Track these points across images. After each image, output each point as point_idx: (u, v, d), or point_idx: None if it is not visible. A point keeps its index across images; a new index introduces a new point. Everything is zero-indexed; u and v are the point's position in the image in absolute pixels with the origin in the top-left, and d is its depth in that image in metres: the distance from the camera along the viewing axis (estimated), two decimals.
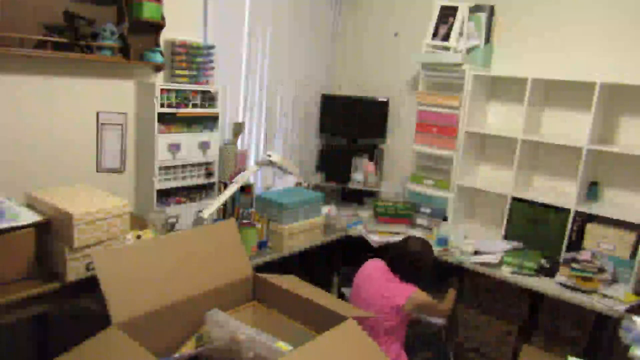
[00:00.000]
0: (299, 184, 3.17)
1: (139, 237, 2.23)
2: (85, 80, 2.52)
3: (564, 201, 2.72)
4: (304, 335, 1.77)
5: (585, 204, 2.70)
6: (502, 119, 3.20)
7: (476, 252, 2.81)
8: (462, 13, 3.12)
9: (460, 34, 3.12)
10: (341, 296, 3.27)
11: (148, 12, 2.53)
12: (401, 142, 3.68)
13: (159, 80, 2.79)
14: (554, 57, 2.93)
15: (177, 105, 2.70)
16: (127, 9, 2.49)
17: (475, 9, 3.12)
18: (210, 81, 2.93)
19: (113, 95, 2.64)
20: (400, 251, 2.38)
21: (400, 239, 2.51)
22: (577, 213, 2.67)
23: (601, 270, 2.49)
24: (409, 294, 2.25)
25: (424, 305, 2.31)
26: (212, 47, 2.88)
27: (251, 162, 3.38)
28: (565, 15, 2.88)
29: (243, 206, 2.86)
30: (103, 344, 1.50)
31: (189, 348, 1.76)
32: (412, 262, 2.34)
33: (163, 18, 2.64)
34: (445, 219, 3.19)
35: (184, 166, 2.81)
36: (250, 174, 2.66)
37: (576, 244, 2.69)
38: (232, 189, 2.57)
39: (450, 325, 2.94)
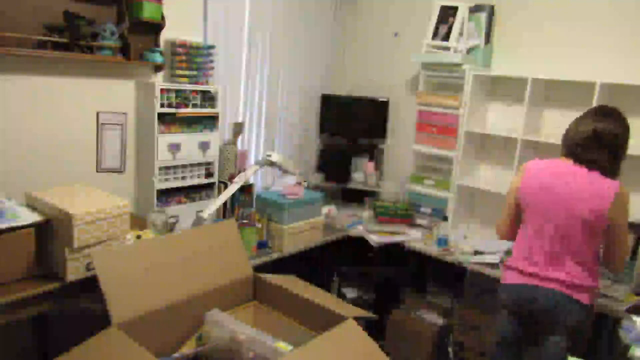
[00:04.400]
0: (299, 184, 3.17)
1: (139, 237, 2.23)
2: (85, 80, 2.52)
3: None
4: (304, 335, 1.78)
5: None
6: (502, 119, 3.20)
7: (476, 252, 2.81)
8: (462, 13, 3.12)
9: (460, 34, 3.12)
10: (341, 296, 3.28)
11: (148, 12, 2.53)
12: (401, 142, 3.68)
13: (159, 80, 2.79)
14: (554, 57, 2.93)
15: (177, 105, 2.70)
16: (127, 9, 2.49)
17: (475, 9, 3.12)
18: (210, 81, 2.93)
19: (113, 95, 2.64)
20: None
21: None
22: None
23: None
24: (615, 190, 1.87)
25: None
26: (212, 47, 2.88)
27: (251, 162, 3.38)
28: (565, 15, 2.88)
29: (243, 206, 2.86)
30: (103, 344, 1.50)
31: (189, 348, 1.76)
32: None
33: (163, 18, 2.64)
34: (445, 219, 3.19)
35: (184, 166, 2.80)
36: (250, 174, 2.66)
37: None
38: (232, 189, 2.57)
39: (450, 325, 2.94)
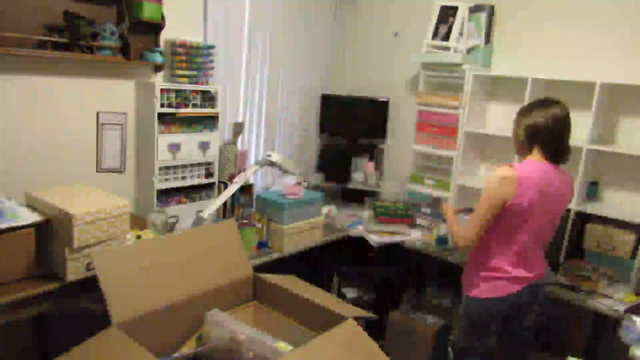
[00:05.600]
0: (299, 184, 3.17)
1: (139, 237, 2.23)
2: (85, 80, 2.52)
3: None
4: (304, 335, 1.78)
5: (585, 204, 2.70)
6: (502, 119, 3.20)
7: None
8: (462, 13, 3.12)
9: (460, 34, 3.12)
10: (341, 296, 3.28)
11: (148, 12, 2.53)
12: (401, 142, 3.68)
13: (159, 80, 2.79)
14: (554, 57, 2.93)
15: (177, 105, 2.70)
16: (127, 9, 2.49)
17: (475, 9, 3.12)
18: (210, 81, 2.93)
19: (113, 95, 2.64)
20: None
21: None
22: (577, 213, 2.67)
23: (601, 270, 2.49)
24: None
25: None
26: (212, 47, 2.88)
27: (251, 162, 3.38)
28: (565, 15, 2.88)
29: (243, 206, 2.86)
30: (103, 344, 1.50)
31: (189, 348, 1.76)
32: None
33: (163, 18, 2.64)
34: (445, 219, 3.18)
35: (184, 166, 2.81)
36: (250, 174, 2.66)
37: (576, 244, 2.69)
38: (232, 189, 2.57)
39: (450, 325, 2.94)
